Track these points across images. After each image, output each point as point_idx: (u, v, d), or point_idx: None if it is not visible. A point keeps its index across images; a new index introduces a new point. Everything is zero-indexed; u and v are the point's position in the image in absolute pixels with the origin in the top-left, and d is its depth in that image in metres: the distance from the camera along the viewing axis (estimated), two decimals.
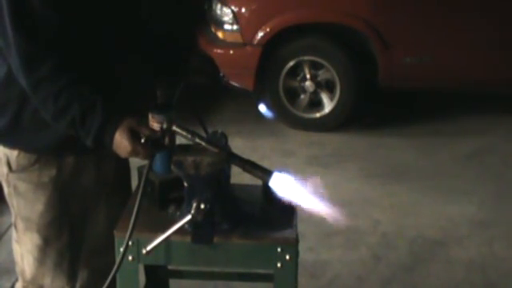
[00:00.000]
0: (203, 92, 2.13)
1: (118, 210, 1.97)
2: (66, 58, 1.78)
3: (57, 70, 1.76)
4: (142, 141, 1.74)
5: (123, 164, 2.16)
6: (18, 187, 2.00)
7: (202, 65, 2.13)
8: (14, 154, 1.96)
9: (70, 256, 2.05)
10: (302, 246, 1.85)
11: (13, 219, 2.08)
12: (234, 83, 4.93)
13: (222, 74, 2.15)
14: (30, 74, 1.77)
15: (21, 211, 2.02)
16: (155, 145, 1.75)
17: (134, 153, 1.75)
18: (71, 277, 2.07)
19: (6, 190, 2.05)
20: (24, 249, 2.05)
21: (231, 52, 5.09)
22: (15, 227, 2.07)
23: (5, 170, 2.00)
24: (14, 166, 1.98)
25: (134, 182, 1.96)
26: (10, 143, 1.97)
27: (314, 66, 5.17)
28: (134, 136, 1.74)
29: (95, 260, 2.10)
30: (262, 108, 2.13)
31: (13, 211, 2.06)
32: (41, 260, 2.03)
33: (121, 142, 1.74)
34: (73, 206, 2.02)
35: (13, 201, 2.04)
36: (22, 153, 1.96)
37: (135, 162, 2.02)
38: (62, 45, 1.79)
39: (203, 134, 1.84)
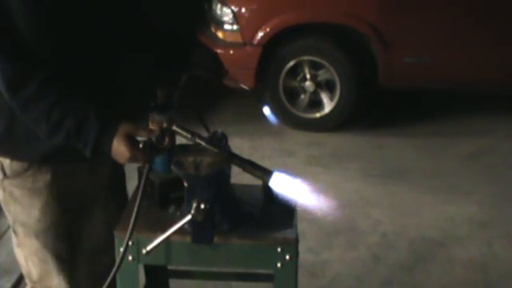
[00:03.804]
0: (204, 92, 2.12)
1: (115, 214, 1.97)
2: (53, 70, 1.75)
3: (44, 87, 1.73)
4: (140, 146, 1.73)
5: (118, 168, 2.15)
6: (14, 193, 1.98)
7: (206, 59, 2.12)
8: (7, 160, 1.94)
9: (69, 259, 2.03)
10: (302, 246, 1.85)
11: (11, 224, 2.05)
12: (234, 83, 4.93)
13: (226, 70, 2.14)
14: (17, 95, 1.73)
15: (18, 217, 2.00)
16: (154, 148, 1.74)
17: (133, 159, 1.74)
18: (72, 279, 2.06)
19: (1, 195, 2.02)
20: (27, 252, 2.04)
21: (231, 52, 5.09)
22: (14, 232, 2.05)
23: (0, 175, 1.98)
24: (8, 171, 1.95)
25: (134, 182, 1.96)
26: (1, 152, 1.94)
27: (314, 66, 5.17)
28: (131, 142, 1.72)
29: (94, 262, 2.10)
30: (266, 111, 2.12)
31: (10, 217, 2.04)
32: (45, 260, 2.02)
33: (118, 149, 1.73)
34: (69, 210, 2.00)
35: (10, 206, 2.01)
36: (14, 160, 1.93)
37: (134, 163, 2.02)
38: (50, 58, 1.75)
39: (204, 133, 1.84)
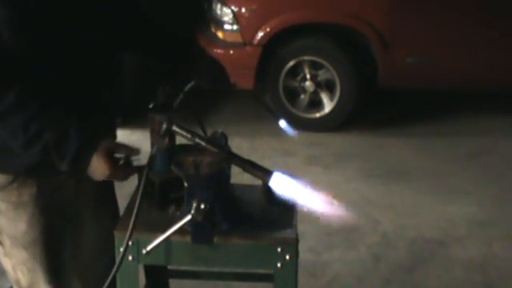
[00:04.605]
0: (203, 92, 2.12)
1: (106, 222, 1.96)
2: (32, 82, 1.70)
3: (23, 98, 1.68)
4: (121, 162, 1.72)
5: None
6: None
7: (212, 70, 2.11)
8: None
9: (58, 270, 2.01)
10: (302, 246, 1.85)
11: None
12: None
13: (232, 83, 2.15)
14: None
15: (4, 228, 1.97)
16: (132, 167, 1.73)
17: (113, 176, 1.73)
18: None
19: None
20: (15, 261, 2.00)
21: (231, 52, 5.09)
22: (1, 243, 2.00)
23: None
24: None
25: (134, 182, 1.96)
26: None
27: (314, 66, 5.17)
28: (111, 159, 1.70)
29: (87, 271, 2.08)
30: (283, 124, 2.13)
31: None
32: (34, 270, 2.00)
33: (98, 166, 1.70)
34: (56, 222, 1.97)
35: None
36: None
37: (134, 163, 2.02)
38: (27, 70, 1.71)
39: (203, 135, 1.84)
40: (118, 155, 1.74)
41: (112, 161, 1.71)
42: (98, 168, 1.71)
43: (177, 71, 2.10)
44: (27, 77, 1.71)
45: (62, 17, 1.76)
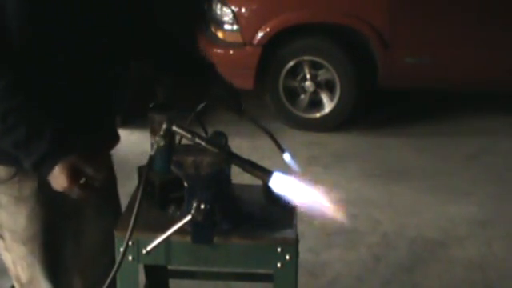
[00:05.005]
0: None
1: (109, 219, 1.96)
2: (25, 76, 1.71)
3: (9, 90, 1.68)
4: (82, 181, 1.71)
5: (108, 174, 2.08)
6: (0, 200, 1.94)
7: (224, 94, 2.11)
8: None
9: (57, 267, 2.00)
10: (302, 246, 1.85)
11: None
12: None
13: (243, 108, 2.18)
14: None
15: (4, 223, 1.97)
16: (92, 188, 1.73)
17: (69, 191, 1.72)
18: (61, 285, 2.04)
19: None
20: (15, 256, 2.00)
21: (231, 52, 5.10)
22: (1, 237, 2.00)
23: None
24: None
25: (134, 182, 1.96)
26: None
27: (314, 66, 5.17)
28: (73, 174, 1.70)
29: (88, 269, 2.08)
30: (287, 157, 2.15)
31: None
32: (33, 266, 1.99)
33: (58, 177, 1.70)
34: (56, 218, 1.96)
35: None
36: (1, 166, 1.89)
37: (134, 163, 2.02)
38: (24, 62, 1.71)
39: (203, 134, 1.84)
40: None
41: (73, 176, 1.70)
42: (57, 178, 1.71)
43: (176, 70, 2.10)
44: (24, 67, 1.71)
45: (68, 5, 1.76)
